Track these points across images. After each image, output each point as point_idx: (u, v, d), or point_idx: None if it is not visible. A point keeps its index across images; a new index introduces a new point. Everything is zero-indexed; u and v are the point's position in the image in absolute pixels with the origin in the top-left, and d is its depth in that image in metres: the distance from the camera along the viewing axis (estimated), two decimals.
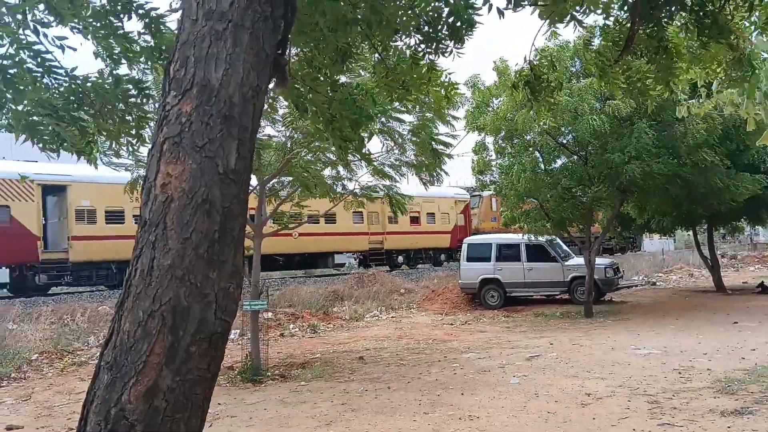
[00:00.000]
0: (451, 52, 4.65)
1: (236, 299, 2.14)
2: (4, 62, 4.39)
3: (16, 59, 4.34)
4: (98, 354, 10.21)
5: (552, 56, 9.78)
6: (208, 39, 2.09)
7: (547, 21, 4.50)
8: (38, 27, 4.30)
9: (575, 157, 15.15)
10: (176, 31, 2.16)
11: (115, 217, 19.68)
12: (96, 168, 5.98)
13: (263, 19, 2.17)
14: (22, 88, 4.42)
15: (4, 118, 5.10)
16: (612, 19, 4.85)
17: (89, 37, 4.69)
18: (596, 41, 5.57)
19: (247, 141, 2.14)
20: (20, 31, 4.25)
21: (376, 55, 4.89)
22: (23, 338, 12.44)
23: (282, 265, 25.30)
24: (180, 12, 2.25)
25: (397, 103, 7.75)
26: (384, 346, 12.32)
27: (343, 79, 5.85)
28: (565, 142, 15.26)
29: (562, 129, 14.35)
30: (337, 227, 25.88)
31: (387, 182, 11.29)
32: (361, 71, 7.68)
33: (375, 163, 9.99)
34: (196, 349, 1.98)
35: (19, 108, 4.67)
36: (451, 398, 7.97)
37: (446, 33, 4.48)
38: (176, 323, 1.96)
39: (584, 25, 4.43)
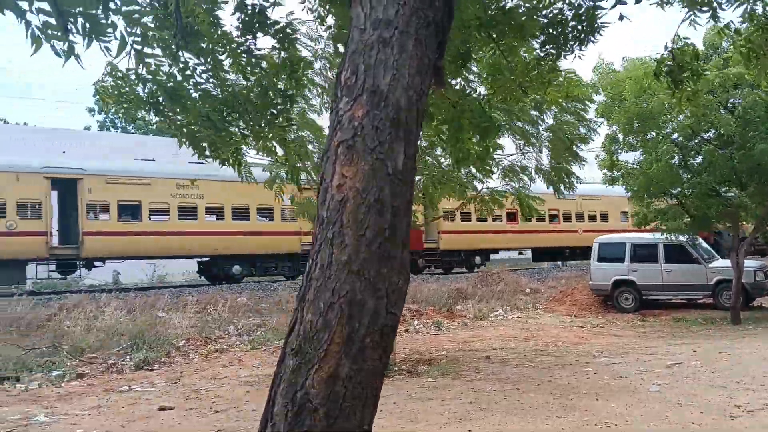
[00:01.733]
0: (573, 53, 4.56)
1: (404, 294, 2.24)
2: (170, 84, 4.85)
3: (178, 80, 4.79)
4: (234, 341, 10.82)
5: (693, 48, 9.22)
6: (376, 47, 2.20)
7: (687, 10, 4.32)
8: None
9: (720, 151, 14.10)
10: (347, 42, 2.29)
11: None
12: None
13: (426, 25, 2.27)
14: (185, 102, 4.86)
15: (169, 127, 5.63)
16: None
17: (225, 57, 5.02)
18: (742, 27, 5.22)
19: (412, 143, 2.24)
20: (179, 53, 4.65)
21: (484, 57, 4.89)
22: (171, 326, 13.51)
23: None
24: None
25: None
26: (510, 347, 12.17)
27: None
28: (707, 136, 14.27)
29: (706, 120, 13.41)
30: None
31: (515, 184, 11.14)
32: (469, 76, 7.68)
33: (508, 162, 9.89)
34: (370, 340, 2.11)
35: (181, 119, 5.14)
36: (584, 403, 7.73)
37: (573, 36, 4.40)
38: (353, 315, 2.09)
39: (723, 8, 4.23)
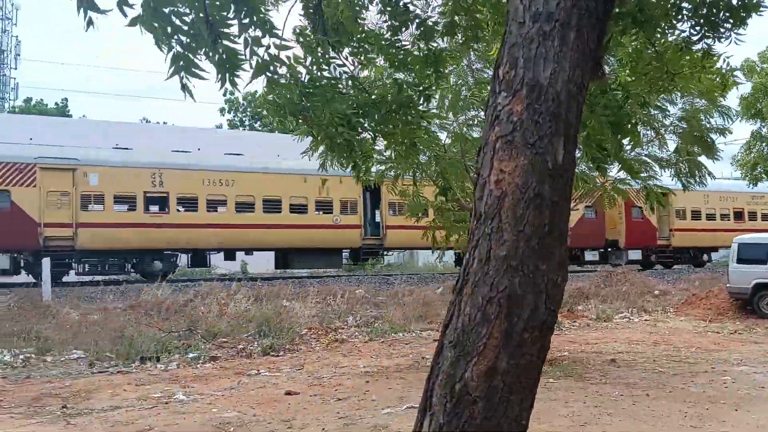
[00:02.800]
0: (729, 37, 4.19)
1: (562, 291, 2.21)
2: (309, 89, 5.03)
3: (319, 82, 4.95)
4: (353, 332, 11.04)
5: None
6: (536, 40, 2.18)
7: None
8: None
9: None
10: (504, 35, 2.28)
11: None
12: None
13: (587, 16, 2.21)
14: (321, 104, 5.02)
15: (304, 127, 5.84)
16: None
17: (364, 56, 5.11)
18: None
19: (572, 137, 2.20)
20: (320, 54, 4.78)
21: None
22: (294, 314, 14.10)
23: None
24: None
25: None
26: (638, 350, 11.61)
27: None
28: None
29: None
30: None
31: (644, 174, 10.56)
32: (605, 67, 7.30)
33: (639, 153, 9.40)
34: (529, 336, 2.10)
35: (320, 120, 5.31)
36: (722, 414, 7.24)
37: (725, 15, 4.05)
38: (512, 310, 2.10)
39: None
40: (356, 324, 13.90)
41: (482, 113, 9.62)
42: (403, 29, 5.01)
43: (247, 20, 3.17)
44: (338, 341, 12.69)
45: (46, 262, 15.60)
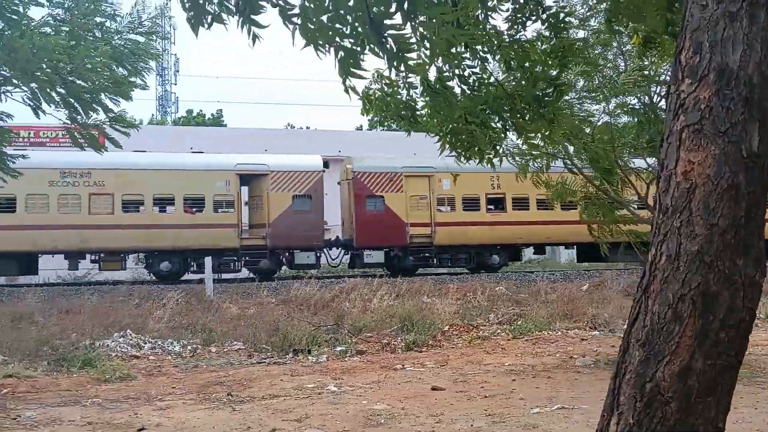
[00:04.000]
0: None
1: (760, 287, 2.08)
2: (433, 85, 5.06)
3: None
4: (495, 329, 10.91)
5: None
6: (722, 22, 2.06)
7: None
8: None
9: None
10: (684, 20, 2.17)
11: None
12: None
13: None
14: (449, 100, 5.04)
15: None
16: None
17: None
18: None
19: (767, 122, 2.05)
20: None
21: None
22: (435, 311, 14.22)
23: None
24: None
25: None
26: None
27: None
28: None
29: None
30: None
31: None
32: None
33: None
34: (725, 335, 1.99)
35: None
36: None
37: None
38: (706, 308, 2.00)
39: None
40: (498, 321, 13.76)
41: (632, 99, 9.17)
42: (528, 24, 4.89)
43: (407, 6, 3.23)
44: (480, 338, 12.63)
45: (208, 261, 17.06)
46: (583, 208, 10.01)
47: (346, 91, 3.40)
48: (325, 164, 21.03)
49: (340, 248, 21.31)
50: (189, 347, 11.76)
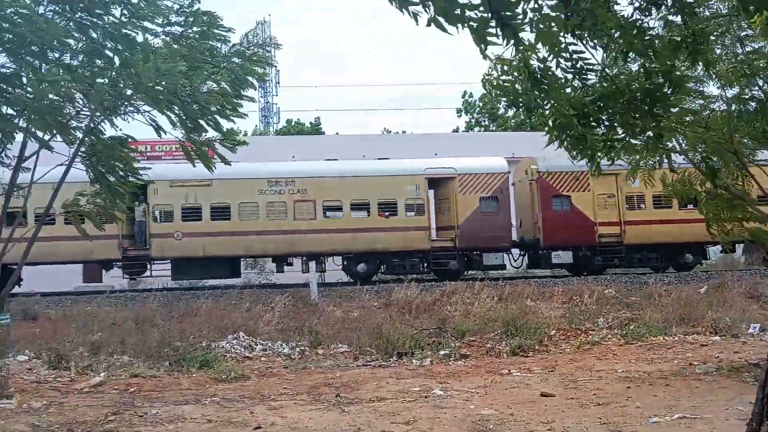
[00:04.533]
0: None
1: None
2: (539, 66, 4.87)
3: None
4: (605, 334, 10.48)
5: None
6: None
7: None
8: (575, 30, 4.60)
9: None
10: None
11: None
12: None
13: None
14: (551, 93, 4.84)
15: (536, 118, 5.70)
16: None
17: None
18: None
19: None
20: (561, 37, 4.59)
21: None
22: (540, 314, 13.86)
23: None
24: None
25: None
26: None
27: None
28: None
29: None
30: None
31: None
32: None
33: None
34: None
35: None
36: None
37: None
38: None
39: None
40: (608, 326, 13.23)
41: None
42: (654, 9, 4.61)
43: None
44: (590, 343, 12.19)
45: (312, 266, 17.57)
46: (702, 204, 9.42)
47: (485, 57, 3.47)
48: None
49: (520, 249, 21.19)
50: (297, 349, 12.13)
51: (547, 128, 5.65)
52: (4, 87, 7.14)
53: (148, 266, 19.04)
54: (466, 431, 6.93)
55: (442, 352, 11.75)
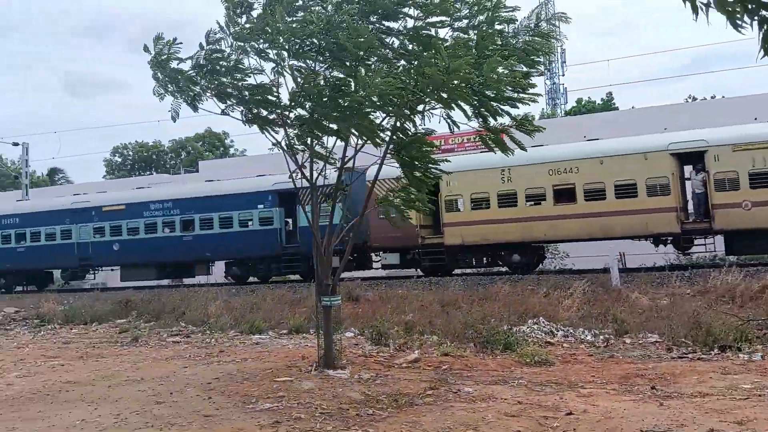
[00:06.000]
0: None
1: None
2: None
3: None
4: None
5: None
6: None
7: None
8: None
9: None
10: None
11: None
12: None
13: None
14: None
15: None
16: None
17: None
18: None
19: None
20: None
21: None
22: None
23: None
24: None
25: None
26: None
27: None
28: None
29: None
30: None
31: None
32: None
33: None
34: None
35: None
36: None
37: None
38: None
39: None
40: None
41: None
42: None
43: None
44: None
45: (611, 251, 16.69)
46: None
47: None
48: None
49: None
50: (601, 337, 11.64)
51: None
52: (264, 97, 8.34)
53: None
54: None
55: None
